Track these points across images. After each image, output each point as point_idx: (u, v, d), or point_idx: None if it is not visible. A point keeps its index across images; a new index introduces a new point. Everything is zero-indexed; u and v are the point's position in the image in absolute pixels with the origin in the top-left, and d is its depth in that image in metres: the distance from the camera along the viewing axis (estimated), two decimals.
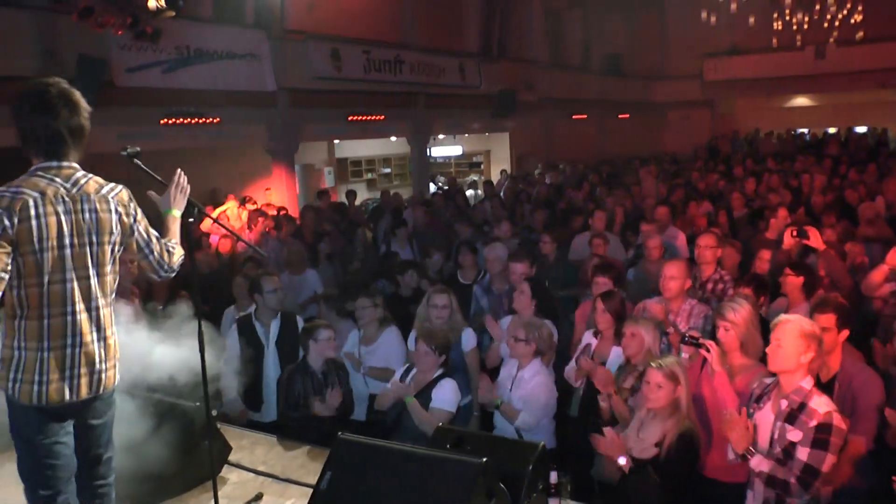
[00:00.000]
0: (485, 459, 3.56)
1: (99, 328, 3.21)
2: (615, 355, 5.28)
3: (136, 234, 3.30)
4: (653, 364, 4.30)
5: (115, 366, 3.30)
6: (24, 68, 10.69)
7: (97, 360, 3.20)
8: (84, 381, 3.17)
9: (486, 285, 7.26)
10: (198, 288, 3.97)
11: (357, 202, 15.50)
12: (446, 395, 5.13)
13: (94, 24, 10.03)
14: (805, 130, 27.31)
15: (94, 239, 3.16)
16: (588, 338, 5.61)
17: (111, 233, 3.20)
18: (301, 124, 15.61)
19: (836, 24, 23.53)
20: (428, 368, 5.22)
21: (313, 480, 4.38)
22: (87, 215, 3.14)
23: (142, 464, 4.49)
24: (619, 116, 28.41)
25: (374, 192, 20.41)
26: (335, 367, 5.52)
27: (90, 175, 3.22)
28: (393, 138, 20.46)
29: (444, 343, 5.27)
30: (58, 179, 3.12)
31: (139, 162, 3.65)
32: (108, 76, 11.39)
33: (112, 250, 3.23)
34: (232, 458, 4.86)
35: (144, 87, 12.17)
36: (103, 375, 3.23)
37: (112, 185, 3.27)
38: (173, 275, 3.52)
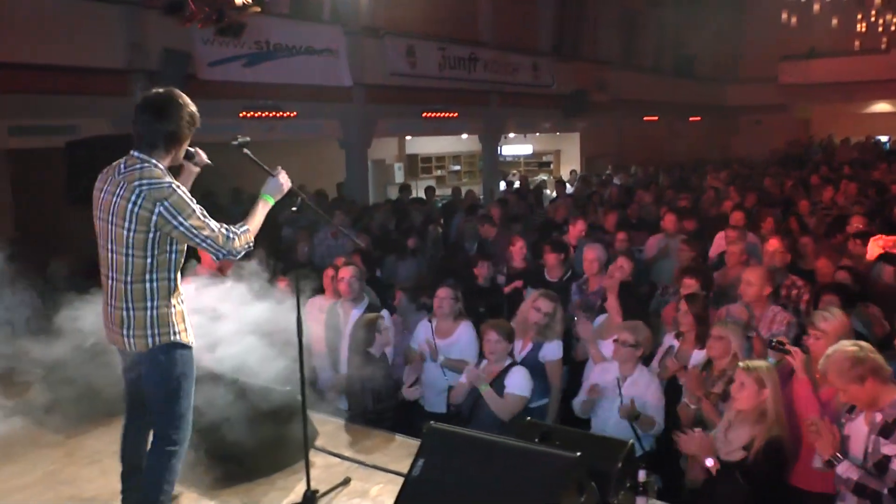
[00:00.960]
0: (578, 454, 3.59)
1: (126, 298, 3.57)
2: (697, 357, 5.26)
3: (168, 228, 3.51)
4: (741, 365, 4.29)
5: (144, 335, 3.59)
6: (112, 61, 11.08)
7: (123, 325, 3.60)
8: (117, 338, 3.66)
9: (581, 284, 7.19)
10: (296, 275, 4.08)
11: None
12: (519, 381, 5.24)
13: (182, 19, 10.31)
14: (885, 138, 26.45)
15: (113, 220, 3.55)
16: (670, 339, 5.62)
17: (125, 219, 3.50)
18: (375, 120, 15.80)
19: None
20: (499, 357, 5.32)
21: (397, 467, 4.52)
22: (115, 199, 3.53)
23: (234, 445, 4.67)
24: (690, 119, 28.01)
25: (443, 188, 20.52)
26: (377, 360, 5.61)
27: (144, 169, 3.54)
28: (464, 136, 20.53)
29: (510, 331, 5.41)
30: (122, 165, 3.60)
31: (248, 151, 3.84)
32: (191, 69, 11.68)
33: (129, 235, 3.51)
34: (317, 443, 4.98)
35: (225, 81, 12.45)
36: (132, 340, 3.61)
37: (148, 183, 3.50)
38: (236, 257, 3.74)
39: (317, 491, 4.22)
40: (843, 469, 3.77)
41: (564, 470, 3.57)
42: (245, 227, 3.74)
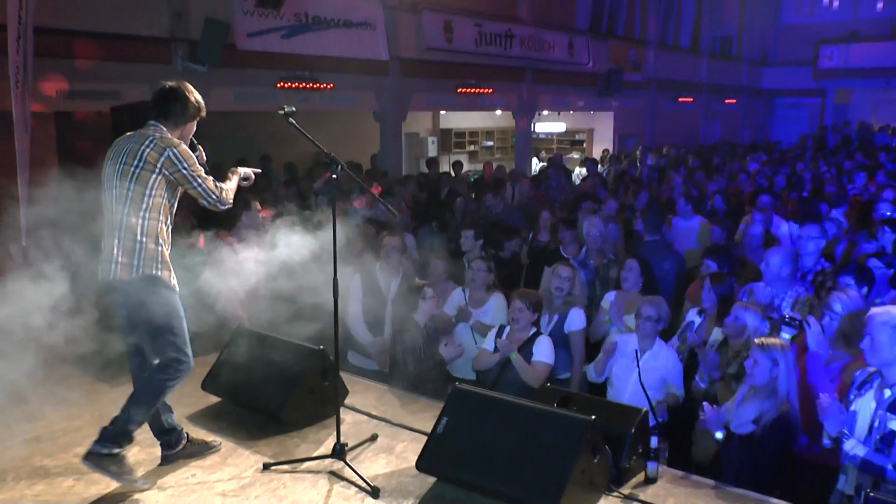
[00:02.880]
0: (593, 417, 3.81)
1: (119, 227, 3.99)
2: (716, 335, 5.43)
3: (173, 169, 4.01)
4: (756, 342, 4.43)
5: (130, 263, 3.99)
6: (155, 29, 11.34)
7: (112, 252, 4.00)
8: (105, 267, 4.05)
9: (583, 259, 7.39)
10: (334, 241, 4.29)
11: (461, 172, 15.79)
12: (546, 350, 5.46)
13: None
14: None
15: (123, 159, 4.02)
16: (692, 315, 5.79)
17: (135, 157, 3.99)
18: (410, 94, 15.97)
19: None
20: (524, 325, 5.53)
21: (423, 427, 4.75)
22: (128, 145, 4.07)
23: (269, 399, 4.93)
24: (726, 101, 27.82)
25: (475, 163, 20.64)
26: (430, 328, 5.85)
27: (157, 129, 4.11)
28: (498, 112, 20.62)
29: (537, 301, 5.61)
30: (141, 128, 4.16)
31: (293, 121, 4.08)
32: (230, 39, 11.91)
33: (135, 171, 3.98)
34: (346, 401, 5.23)
35: (263, 52, 12.67)
36: (116, 266, 3.99)
37: (161, 136, 4.06)
38: (223, 207, 4.23)
39: (346, 444, 4.45)
40: (850, 446, 3.91)
41: (580, 431, 3.78)
42: (228, 187, 4.28)
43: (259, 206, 6.99)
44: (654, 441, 4.16)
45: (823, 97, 28.90)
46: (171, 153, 3.98)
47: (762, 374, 4.33)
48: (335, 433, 4.46)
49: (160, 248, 4.04)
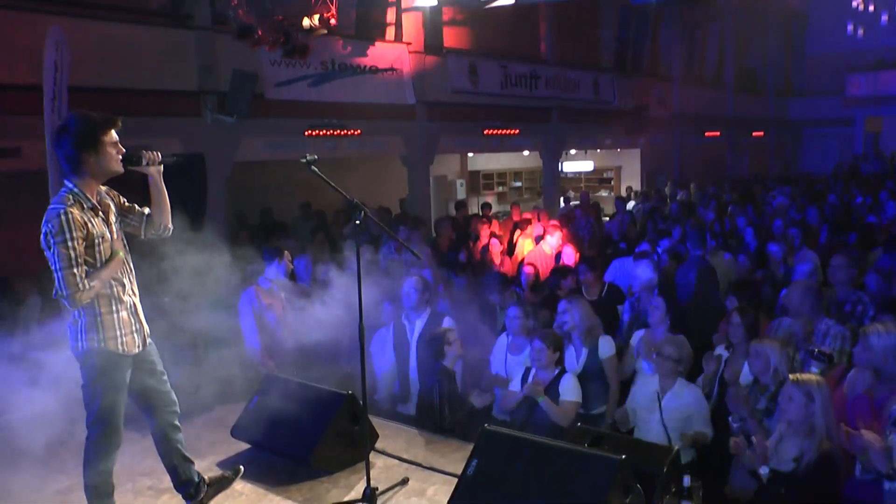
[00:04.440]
0: (623, 457, 3.76)
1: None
2: (746, 371, 5.35)
3: (45, 251, 3.76)
4: (791, 378, 4.34)
5: (75, 338, 3.89)
6: (185, 83, 11.58)
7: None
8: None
9: (634, 302, 7.27)
10: (359, 287, 4.32)
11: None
12: (572, 387, 5.43)
13: (251, 43, 10.75)
14: None
15: None
16: (720, 350, 5.72)
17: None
18: (438, 137, 16.12)
19: None
20: (547, 365, 5.50)
21: (454, 469, 4.72)
22: None
23: (299, 444, 4.94)
24: (753, 134, 27.71)
25: (504, 205, 20.69)
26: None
27: (58, 196, 3.81)
28: (525, 152, 20.72)
29: (557, 340, 5.59)
30: None
31: (315, 168, 4.10)
32: (259, 89, 12.13)
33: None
34: (377, 445, 5.22)
35: (291, 101, 12.90)
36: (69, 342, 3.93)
37: (50, 207, 3.76)
38: (66, 304, 3.77)
39: (376, 489, 4.44)
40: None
41: (611, 471, 3.74)
42: (91, 286, 3.76)
43: (289, 257, 7.04)
44: (686, 480, 4.09)
45: (853, 126, 28.69)
46: (45, 229, 3.69)
47: (797, 410, 4.24)
48: (365, 477, 4.46)
49: (98, 319, 3.86)
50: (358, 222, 4.21)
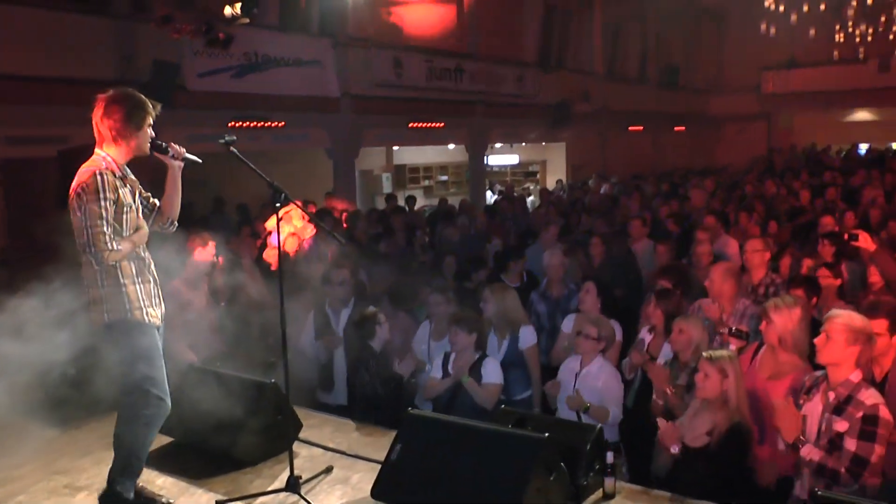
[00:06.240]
0: (546, 435, 3.80)
1: (86, 278, 3.93)
2: (667, 350, 5.49)
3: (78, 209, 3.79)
4: (704, 355, 4.50)
5: (100, 310, 3.92)
6: (104, 72, 11.25)
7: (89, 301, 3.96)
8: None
9: (543, 291, 7.43)
10: (281, 275, 4.27)
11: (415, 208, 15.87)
12: (494, 370, 5.51)
13: (172, 31, 10.53)
14: (864, 146, 26.82)
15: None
16: (643, 333, 5.87)
17: (70, 207, 3.83)
18: (362, 130, 16.04)
19: None
20: (467, 348, 5.54)
21: (379, 457, 4.67)
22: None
23: (221, 435, 4.85)
24: (675, 129, 28.36)
25: (430, 198, 20.72)
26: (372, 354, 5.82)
27: (91, 159, 3.94)
28: (451, 146, 20.77)
29: (473, 323, 5.62)
30: None
31: (234, 149, 4.06)
32: (180, 80, 11.88)
33: (75, 221, 3.81)
34: (301, 435, 5.15)
35: (214, 92, 12.68)
36: (91, 315, 3.97)
37: (83, 169, 3.87)
38: (96, 265, 3.85)
39: (300, 477, 4.39)
40: (807, 451, 3.95)
41: (534, 450, 3.77)
42: (119, 248, 3.82)
43: (211, 249, 6.89)
44: (609, 457, 4.16)
45: (769, 121, 29.67)
46: (80, 189, 3.76)
47: (713, 386, 4.38)
48: (289, 467, 4.40)
49: (123, 289, 3.91)
50: (278, 204, 4.16)
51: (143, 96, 4.01)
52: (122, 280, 3.90)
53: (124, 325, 3.93)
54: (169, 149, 4.15)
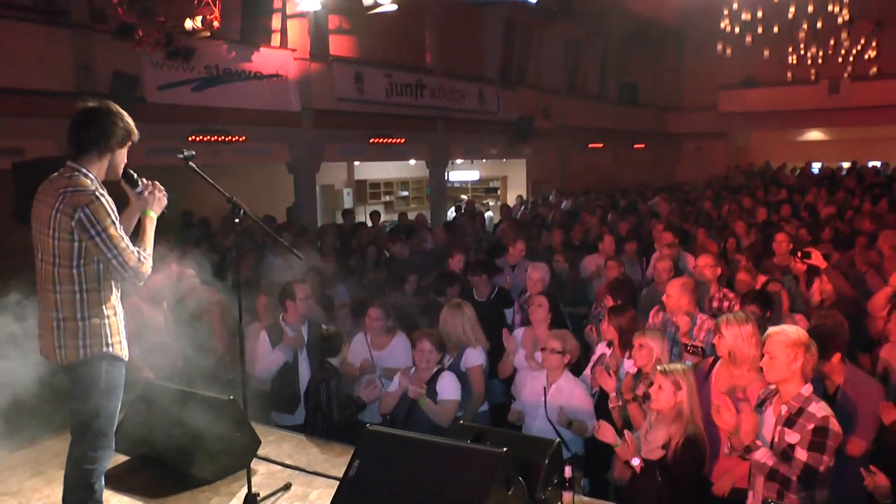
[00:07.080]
0: (504, 450, 3.81)
1: (56, 308, 3.56)
2: (628, 364, 5.54)
3: (85, 238, 3.49)
4: (658, 368, 4.58)
5: (75, 345, 3.57)
6: (61, 83, 11.11)
7: (55, 336, 3.58)
8: (49, 350, 3.62)
9: (522, 304, 7.48)
10: (239, 291, 4.25)
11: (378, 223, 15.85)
12: (451, 386, 5.54)
13: (132, 43, 10.43)
14: (818, 164, 27.44)
15: (41, 228, 3.57)
16: (602, 348, 5.92)
17: (49, 226, 3.51)
18: (323, 144, 16.01)
19: (851, 59, 23.89)
20: (430, 365, 5.58)
21: (338, 473, 4.66)
22: (43, 207, 3.56)
23: (178, 453, 4.80)
24: (635, 146, 28.71)
25: (391, 214, 20.73)
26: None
27: (72, 177, 3.56)
28: (412, 161, 20.81)
29: (440, 340, 5.68)
30: (56, 175, 3.64)
31: (193, 164, 4.00)
32: (139, 92, 11.77)
33: (54, 244, 3.51)
34: (259, 452, 5.11)
35: (174, 105, 12.58)
36: (63, 351, 3.58)
37: (73, 189, 3.51)
38: (139, 282, 3.67)
39: (257, 494, 4.36)
40: (761, 455, 4.02)
41: (492, 466, 3.78)
42: (147, 253, 3.67)
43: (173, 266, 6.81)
44: (568, 471, 4.18)
45: (726, 139, 30.18)
46: (81, 215, 3.43)
47: (666, 398, 4.45)
48: (247, 484, 4.36)
49: (106, 320, 3.61)
50: (237, 220, 4.14)
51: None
52: (105, 311, 3.62)
53: (100, 362, 3.63)
54: (140, 183, 3.86)
